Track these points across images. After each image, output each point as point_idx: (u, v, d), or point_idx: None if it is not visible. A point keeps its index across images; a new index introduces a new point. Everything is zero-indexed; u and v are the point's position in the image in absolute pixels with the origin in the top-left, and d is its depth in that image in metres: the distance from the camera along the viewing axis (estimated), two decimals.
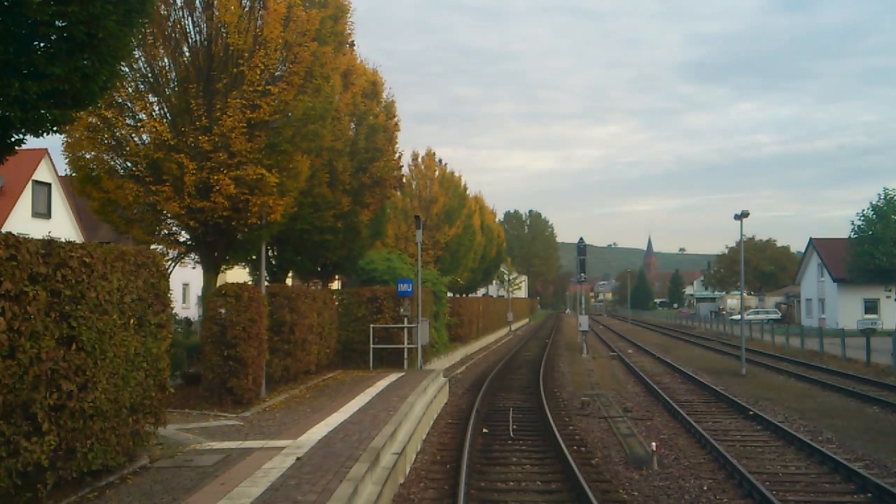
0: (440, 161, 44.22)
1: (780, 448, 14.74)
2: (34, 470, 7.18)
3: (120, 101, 14.26)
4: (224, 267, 17.02)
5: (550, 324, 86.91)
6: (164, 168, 14.16)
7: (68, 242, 7.93)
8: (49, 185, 35.77)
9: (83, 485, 8.38)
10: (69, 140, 14.14)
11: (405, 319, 23.03)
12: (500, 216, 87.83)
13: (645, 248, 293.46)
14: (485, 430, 16.47)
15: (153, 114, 14.63)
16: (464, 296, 48.62)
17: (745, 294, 42.54)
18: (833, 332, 39.83)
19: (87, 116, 13.55)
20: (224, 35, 14.67)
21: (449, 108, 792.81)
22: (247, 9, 14.92)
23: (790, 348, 38.72)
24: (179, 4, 14.86)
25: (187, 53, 15.08)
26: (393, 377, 19.99)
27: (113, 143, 14.45)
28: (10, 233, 6.97)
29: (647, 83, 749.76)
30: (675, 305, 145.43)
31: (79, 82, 7.79)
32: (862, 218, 53.39)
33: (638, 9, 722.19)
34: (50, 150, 35.60)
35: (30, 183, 34.33)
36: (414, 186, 42.50)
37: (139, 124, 14.56)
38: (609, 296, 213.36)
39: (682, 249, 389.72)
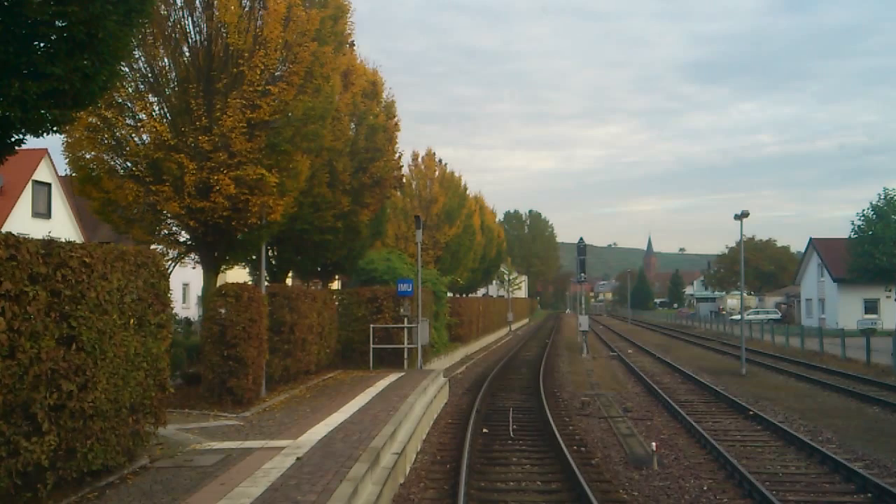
0: (440, 161, 44.28)
1: (780, 448, 14.74)
2: (34, 470, 7.18)
3: (120, 101, 14.26)
4: (224, 267, 17.01)
5: (550, 324, 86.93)
6: (164, 168, 14.16)
7: (68, 242, 7.93)
8: (49, 185, 35.78)
9: (83, 485, 8.38)
10: (69, 140, 14.15)
11: (405, 319, 23.03)
12: (500, 216, 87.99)
13: (645, 248, 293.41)
14: (485, 430, 16.47)
15: (153, 114, 14.64)
16: (464, 296, 48.63)
17: (745, 294, 42.54)
18: (833, 332, 39.82)
19: (87, 116, 13.55)
20: (224, 35, 14.67)
21: (450, 109, 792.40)
22: (247, 9, 14.93)
23: (790, 348, 38.74)
24: (179, 4, 14.87)
25: (187, 53, 15.09)
26: (393, 377, 19.99)
27: (113, 143, 14.45)
28: (10, 233, 6.97)
29: (648, 83, 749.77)
30: (675, 305, 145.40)
31: (79, 82, 7.79)
32: (862, 218, 53.37)
33: (639, 9, 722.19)
34: (50, 150, 35.68)
35: (30, 183, 34.35)
36: (414, 186, 42.49)
37: (139, 124, 14.57)
38: (609, 296, 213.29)
39: (682, 249, 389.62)
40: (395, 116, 24.93)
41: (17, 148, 8.11)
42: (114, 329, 8.60)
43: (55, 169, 35.33)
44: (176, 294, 24.20)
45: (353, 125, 22.89)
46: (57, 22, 7.47)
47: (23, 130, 7.88)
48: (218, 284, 15.45)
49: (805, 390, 23.68)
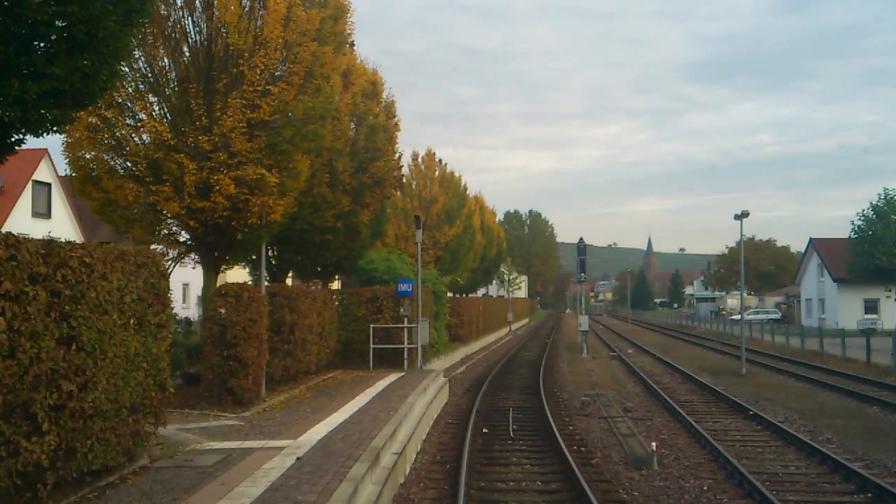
0: (440, 161, 44.27)
1: (781, 448, 14.74)
2: (34, 470, 7.18)
3: (120, 101, 14.26)
4: (224, 267, 17.01)
5: (550, 324, 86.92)
6: (164, 168, 14.16)
7: (68, 242, 7.93)
8: (49, 185, 35.78)
9: (83, 485, 8.38)
10: (69, 140, 14.14)
11: (405, 319, 23.03)
12: (500, 216, 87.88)
13: (645, 248, 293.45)
14: (485, 430, 16.47)
15: (153, 114, 14.63)
16: (464, 296, 48.61)
17: (745, 294, 42.53)
18: (833, 332, 39.82)
19: (87, 116, 13.55)
20: (224, 35, 14.67)
21: (450, 109, 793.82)
22: (247, 9, 14.93)
23: (790, 348, 38.73)
24: (179, 4, 14.86)
25: (187, 53, 15.08)
26: (393, 377, 19.99)
27: (113, 143, 14.45)
28: (10, 233, 6.97)
29: (648, 83, 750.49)
30: (675, 305, 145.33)
31: (79, 82, 7.79)
32: (862, 218, 53.37)
33: (640, 9, 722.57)
34: (50, 150, 35.67)
35: (30, 183, 34.35)
36: (414, 186, 42.49)
37: (139, 124, 14.57)
38: (609, 296, 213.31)
39: (682, 249, 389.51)
40: (395, 116, 24.93)
41: (17, 148, 8.11)
42: (114, 329, 8.59)
43: (55, 169, 35.32)
44: (176, 294, 24.22)
45: (353, 125, 22.88)
46: (57, 22, 7.47)
47: (23, 130, 7.88)
48: (218, 284, 15.45)
49: (805, 390, 23.68)
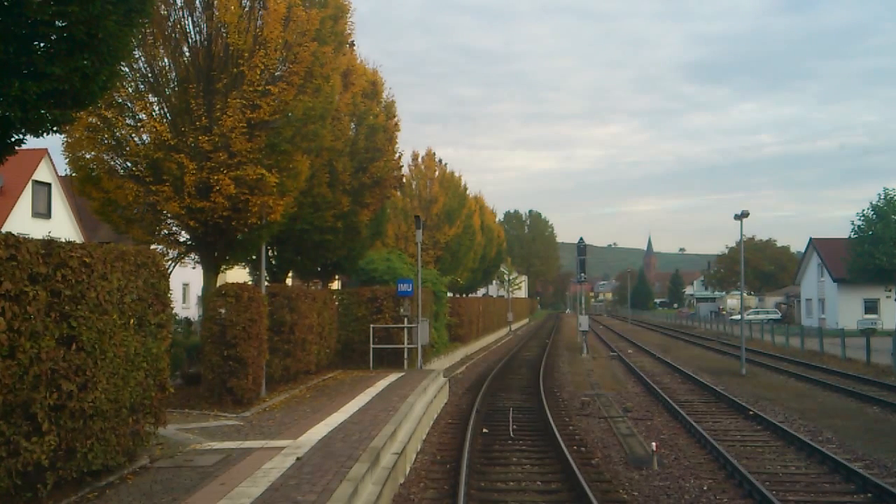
0: (440, 161, 44.27)
1: (781, 448, 14.74)
2: (34, 470, 7.18)
3: (120, 101, 14.26)
4: (224, 267, 17.01)
5: (550, 324, 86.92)
6: (164, 168, 14.16)
7: (68, 242, 7.93)
8: (49, 185, 35.79)
9: (83, 485, 8.38)
10: (69, 140, 14.15)
11: (405, 319, 23.03)
12: (500, 216, 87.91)
13: (645, 248, 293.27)
14: (485, 430, 16.47)
15: (153, 114, 14.63)
16: (464, 296, 48.60)
17: (745, 294, 42.54)
18: (833, 332, 39.82)
19: (87, 116, 13.55)
20: (224, 35, 14.68)
21: (451, 109, 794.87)
22: (247, 9, 14.93)
23: (790, 348, 38.73)
24: (179, 4, 14.87)
25: (187, 53, 15.08)
26: (393, 377, 19.99)
27: (113, 143, 14.45)
28: (10, 233, 6.97)
29: (648, 83, 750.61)
30: (675, 305, 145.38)
31: (79, 82, 7.79)
32: (862, 218, 53.33)
33: (640, 9, 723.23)
34: (50, 150, 35.69)
35: (30, 183, 34.36)
36: (414, 186, 42.49)
37: (139, 124, 14.57)
38: (609, 296, 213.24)
39: (682, 249, 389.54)
40: (395, 116, 24.93)
41: (17, 148, 8.11)
42: (114, 329, 8.59)
43: (55, 169, 35.34)
44: (176, 294, 24.16)
45: (353, 125, 22.89)
46: (57, 22, 7.47)
47: (23, 130, 7.88)
48: (218, 284, 15.45)
49: (805, 390, 23.68)
